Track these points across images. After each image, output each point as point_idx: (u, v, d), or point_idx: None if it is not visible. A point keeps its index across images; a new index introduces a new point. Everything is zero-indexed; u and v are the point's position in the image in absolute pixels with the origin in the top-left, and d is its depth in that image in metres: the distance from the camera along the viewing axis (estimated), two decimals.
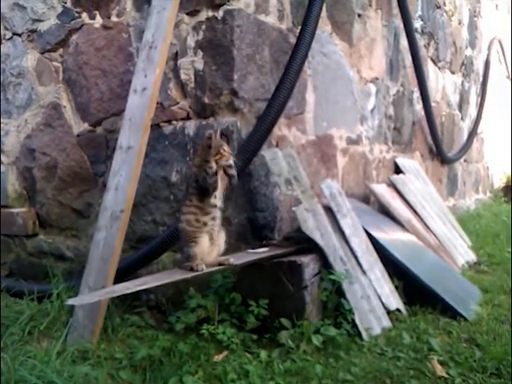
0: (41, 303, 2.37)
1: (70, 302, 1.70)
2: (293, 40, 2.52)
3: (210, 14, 2.29)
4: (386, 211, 3.12)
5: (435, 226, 3.46)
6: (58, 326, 2.13)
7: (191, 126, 2.38)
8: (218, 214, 1.81)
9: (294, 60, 2.40)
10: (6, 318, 2.23)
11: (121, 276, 2.13)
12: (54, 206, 2.86)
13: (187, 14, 2.34)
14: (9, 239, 3.01)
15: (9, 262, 3.00)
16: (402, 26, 3.94)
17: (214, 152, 1.76)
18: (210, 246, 1.80)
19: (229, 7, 2.25)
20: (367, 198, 3.39)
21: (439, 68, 5.19)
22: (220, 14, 2.26)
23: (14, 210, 2.99)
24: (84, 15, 2.70)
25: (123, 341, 2.07)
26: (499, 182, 7.93)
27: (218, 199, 1.80)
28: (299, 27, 2.51)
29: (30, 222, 2.94)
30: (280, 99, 2.33)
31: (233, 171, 1.80)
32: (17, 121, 3.00)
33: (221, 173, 1.79)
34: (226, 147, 1.79)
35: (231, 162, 1.79)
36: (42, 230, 2.93)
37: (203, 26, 2.31)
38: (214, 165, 1.75)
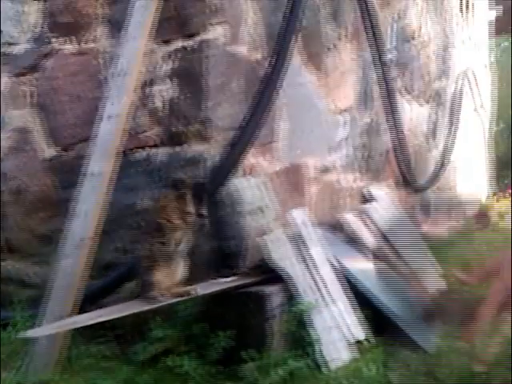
0: (3, 331, 2.32)
1: (30, 333, 1.67)
2: (264, 71, 2.56)
3: (183, 43, 2.32)
4: (355, 240, 3.15)
5: (405, 254, 3.49)
6: (19, 356, 2.09)
7: (161, 154, 2.39)
8: (181, 246, 1.81)
9: (265, 89, 2.45)
10: None
11: (85, 305, 2.11)
12: (22, 230, 2.82)
13: (160, 43, 2.37)
14: None
15: None
16: (373, 58, 4.04)
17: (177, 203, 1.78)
18: (173, 275, 1.80)
19: (201, 38, 2.28)
20: (337, 227, 3.42)
21: (409, 99, 5.31)
22: (192, 43, 2.29)
23: None
24: (57, 40, 2.71)
25: (86, 371, 2.04)
26: (471, 210, 8.07)
27: (179, 234, 1.80)
28: (271, 58, 2.56)
29: None
30: (251, 128, 2.36)
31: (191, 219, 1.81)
32: None
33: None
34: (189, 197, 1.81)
35: (189, 209, 1.80)
36: (8, 255, 2.88)
37: (175, 55, 2.33)
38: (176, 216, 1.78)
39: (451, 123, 6.73)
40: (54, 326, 1.78)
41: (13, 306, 2.49)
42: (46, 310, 2.05)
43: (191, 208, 1.80)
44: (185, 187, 1.84)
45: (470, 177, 7.90)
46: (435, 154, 6.23)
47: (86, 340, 2.27)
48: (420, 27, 5.69)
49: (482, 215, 7.50)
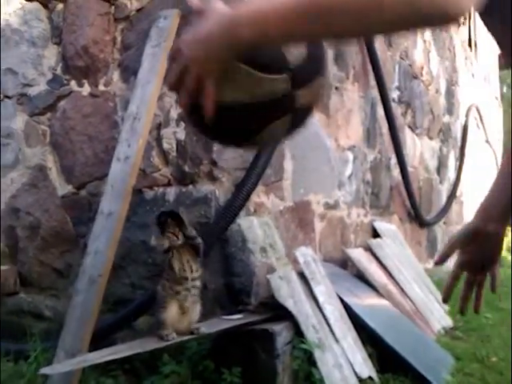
0: (16, 364, 2.37)
1: (44, 370, 1.72)
2: None
3: None
4: (362, 276, 3.19)
5: (411, 290, 3.52)
6: None
7: (172, 193, 2.47)
8: (191, 284, 1.87)
9: None
10: None
11: (97, 339, 2.16)
12: (36, 265, 2.90)
13: None
14: None
15: None
16: (378, 96, 4.14)
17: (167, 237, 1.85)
18: (182, 315, 1.86)
19: None
20: (345, 263, 3.46)
21: (417, 135, 5.39)
22: None
23: None
24: (73, 83, 2.83)
25: None
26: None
27: (188, 272, 1.86)
28: None
29: (11, 279, 2.96)
30: (257, 168, 2.44)
31: (194, 241, 1.88)
32: (3, 180, 3.06)
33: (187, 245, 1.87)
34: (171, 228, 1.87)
35: (190, 232, 1.87)
36: (23, 288, 2.95)
37: None
38: (165, 243, 1.84)
39: (459, 157, 6.79)
40: (68, 363, 1.84)
41: (26, 338, 2.54)
42: (61, 343, 2.11)
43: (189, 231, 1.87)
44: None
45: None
46: (443, 188, 6.28)
47: (97, 374, 2.32)
48: (427, 64, 5.81)
49: None
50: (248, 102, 0.82)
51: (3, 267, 3.00)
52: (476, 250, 1.18)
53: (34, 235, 2.92)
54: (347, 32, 0.76)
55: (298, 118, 0.88)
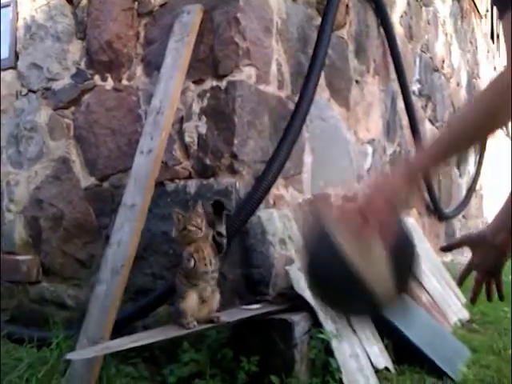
0: (40, 351, 2.44)
1: (69, 356, 1.79)
2: (291, 107, 2.68)
3: (215, 83, 2.46)
4: None
5: (429, 283, 3.53)
6: (56, 375, 2.20)
7: (193, 185, 2.52)
8: (210, 276, 1.92)
9: (291, 125, 2.56)
10: (5, 365, 2.31)
11: (118, 327, 2.22)
12: (58, 255, 2.98)
13: (193, 82, 2.52)
14: (12, 285, 3.11)
15: (11, 308, 3.09)
16: (399, 89, 4.14)
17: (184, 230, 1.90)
18: (202, 304, 1.91)
19: (232, 78, 2.42)
20: None
21: (437, 128, 5.37)
22: (223, 84, 2.43)
23: (19, 258, 3.10)
24: (96, 77, 2.89)
25: None
26: (500, 237, 7.99)
27: (208, 266, 1.91)
28: (298, 95, 2.68)
29: (34, 269, 3.05)
30: (278, 161, 2.47)
31: (221, 239, 1.92)
32: (27, 172, 3.15)
33: (210, 240, 1.91)
34: (195, 220, 1.91)
35: (221, 230, 1.91)
36: (45, 277, 3.03)
37: (207, 94, 2.48)
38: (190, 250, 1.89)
39: (478, 151, 6.74)
40: (91, 350, 1.90)
41: (48, 326, 2.62)
42: (83, 331, 2.17)
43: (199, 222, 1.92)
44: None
45: (498, 204, 7.83)
46: (463, 182, 6.25)
47: (117, 361, 2.38)
48: (448, 57, 5.78)
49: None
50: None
51: (27, 257, 3.09)
52: (483, 257, 1.24)
53: (57, 226, 2.99)
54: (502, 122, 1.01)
55: None
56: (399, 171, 1.05)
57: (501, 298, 1.25)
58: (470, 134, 1.00)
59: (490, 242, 1.23)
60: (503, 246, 1.22)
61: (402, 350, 2.52)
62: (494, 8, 1.01)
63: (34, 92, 3.15)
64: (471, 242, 1.27)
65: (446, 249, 1.36)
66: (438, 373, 2.43)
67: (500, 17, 0.99)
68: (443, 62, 5.67)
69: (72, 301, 2.88)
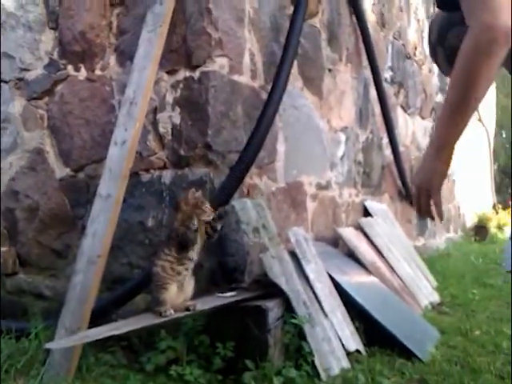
0: (18, 341, 2.46)
1: (48, 345, 1.82)
2: (264, 96, 2.72)
3: (188, 74, 2.48)
4: (352, 254, 3.30)
5: (400, 268, 3.63)
6: (36, 365, 2.23)
7: (167, 176, 2.55)
8: (191, 264, 1.97)
9: (264, 114, 2.60)
10: None
11: (96, 317, 2.26)
12: (34, 246, 2.98)
13: (166, 72, 2.54)
14: None
15: None
16: (371, 77, 4.21)
17: (196, 209, 1.93)
18: (179, 292, 1.95)
19: (205, 69, 2.44)
20: (336, 241, 3.57)
21: (409, 114, 5.46)
22: (196, 74, 2.46)
23: None
24: (69, 67, 2.88)
25: (97, 379, 2.18)
26: (470, 222, 8.20)
27: (195, 253, 1.96)
28: (271, 84, 2.72)
29: (10, 260, 3.05)
30: (251, 151, 2.51)
31: (213, 227, 1.97)
32: (1, 163, 3.13)
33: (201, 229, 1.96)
34: (207, 204, 1.96)
35: (212, 217, 1.96)
36: (22, 269, 3.04)
37: (181, 85, 2.50)
38: (196, 222, 1.92)
39: None
40: (69, 339, 1.93)
41: (26, 317, 2.64)
42: (61, 321, 2.21)
43: (194, 215, 1.96)
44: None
45: (470, 188, 8.02)
46: None
47: (95, 349, 2.42)
48: (420, 43, 5.86)
49: (481, 227, 7.62)
50: None
51: (3, 248, 3.09)
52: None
53: (32, 217, 2.99)
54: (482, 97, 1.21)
55: None
56: (432, 155, 1.35)
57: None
58: (462, 99, 1.20)
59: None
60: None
61: (373, 332, 2.61)
62: None
63: (7, 82, 3.12)
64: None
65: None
66: (408, 354, 2.52)
67: None
68: (415, 48, 5.74)
69: (49, 291, 2.90)
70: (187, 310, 1.99)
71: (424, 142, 5.96)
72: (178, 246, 1.95)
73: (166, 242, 2.03)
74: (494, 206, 8.79)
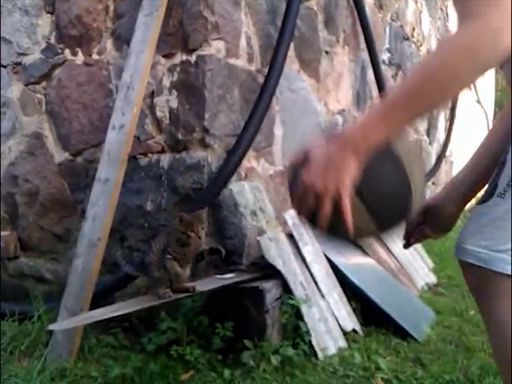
0: (21, 324, 2.51)
1: (51, 327, 1.87)
2: (261, 80, 2.73)
3: (184, 57, 2.49)
4: None
5: (396, 248, 3.67)
6: (38, 346, 2.28)
7: (165, 159, 2.57)
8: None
9: (261, 98, 2.61)
10: None
11: (97, 299, 2.30)
12: (35, 230, 3.02)
13: (163, 56, 2.54)
14: None
15: None
16: (368, 59, 4.20)
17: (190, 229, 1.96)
18: (178, 274, 1.99)
19: (201, 52, 2.45)
20: None
21: None
22: (193, 58, 2.47)
23: None
24: (67, 52, 2.88)
25: (98, 360, 2.23)
26: (468, 204, 8.22)
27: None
28: (267, 67, 2.73)
29: (11, 245, 3.08)
30: (248, 134, 2.53)
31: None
32: (1, 148, 3.15)
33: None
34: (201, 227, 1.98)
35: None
36: (23, 252, 3.07)
37: (177, 69, 2.51)
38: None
39: (449, 118, 6.88)
40: (72, 320, 1.97)
41: (29, 300, 2.68)
42: (63, 304, 2.25)
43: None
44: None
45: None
46: (433, 149, 6.39)
47: (97, 331, 2.47)
48: (418, 25, 5.84)
49: None
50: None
51: (4, 233, 3.12)
52: (428, 224, 1.33)
53: (32, 201, 3.02)
54: (451, 91, 1.01)
55: None
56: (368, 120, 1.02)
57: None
58: (415, 97, 0.96)
59: (439, 212, 1.32)
60: (452, 216, 1.32)
61: (369, 313, 2.66)
62: None
63: (5, 67, 3.13)
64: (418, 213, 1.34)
65: (407, 244, 1.43)
66: (403, 334, 2.57)
67: None
68: (413, 30, 5.72)
69: (51, 274, 2.94)
70: (187, 291, 2.02)
71: (422, 124, 5.97)
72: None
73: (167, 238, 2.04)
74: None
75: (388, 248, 3.55)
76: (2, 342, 2.31)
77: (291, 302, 2.29)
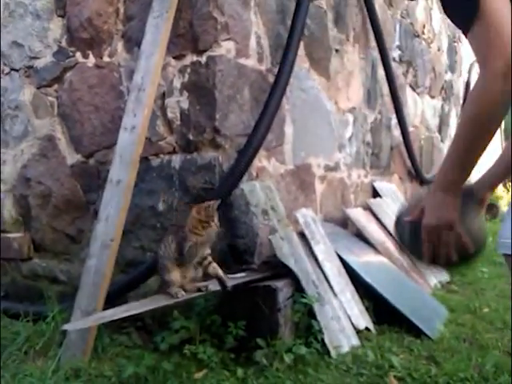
0: (36, 324, 2.54)
1: (65, 327, 1.88)
2: (271, 79, 2.73)
3: (195, 58, 2.50)
4: (360, 234, 3.33)
5: None
6: (53, 346, 2.30)
7: (177, 160, 2.58)
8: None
9: (272, 97, 2.62)
10: (3, 339, 2.41)
11: (111, 299, 2.32)
12: (48, 231, 3.05)
13: (174, 57, 2.56)
14: (5, 263, 3.18)
15: (4, 284, 3.17)
16: (379, 57, 4.19)
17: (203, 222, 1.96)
18: (189, 274, 2.00)
19: (211, 53, 2.46)
20: (345, 222, 3.59)
21: (418, 94, 5.44)
22: (203, 59, 2.48)
23: (10, 235, 3.16)
24: (78, 54, 2.91)
25: (112, 359, 2.25)
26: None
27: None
28: (277, 67, 2.73)
29: (25, 246, 3.12)
30: (259, 134, 2.54)
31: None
32: (13, 151, 3.19)
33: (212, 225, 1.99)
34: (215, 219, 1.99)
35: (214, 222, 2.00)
36: (37, 254, 3.11)
37: (188, 70, 2.52)
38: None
39: (460, 115, 6.83)
40: (86, 320, 1.99)
41: (42, 300, 2.71)
42: (77, 304, 2.27)
43: (215, 220, 2.00)
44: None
45: (480, 166, 7.96)
46: (445, 146, 6.35)
47: (110, 331, 2.49)
48: (428, 21, 5.80)
49: (491, 205, 7.60)
50: None
51: (17, 234, 3.15)
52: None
53: (45, 203, 3.05)
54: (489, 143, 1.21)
55: None
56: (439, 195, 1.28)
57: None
58: (471, 146, 1.22)
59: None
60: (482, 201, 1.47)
61: (382, 311, 2.66)
62: None
63: (17, 70, 3.17)
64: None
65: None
66: (416, 331, 2.56)
67: (465, 35, 1.20)
68: (423, 27, 5.69)
69: (64, 275, 2.96)
70: (199, 290, 2.03)
71: (433, 121, 5.94)
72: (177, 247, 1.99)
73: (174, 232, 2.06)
74: (504, 184, 8.73)
75: (401, 246, 3.53)
76: (17, 343, 2.34)
77: (303, 300, 2.30)
